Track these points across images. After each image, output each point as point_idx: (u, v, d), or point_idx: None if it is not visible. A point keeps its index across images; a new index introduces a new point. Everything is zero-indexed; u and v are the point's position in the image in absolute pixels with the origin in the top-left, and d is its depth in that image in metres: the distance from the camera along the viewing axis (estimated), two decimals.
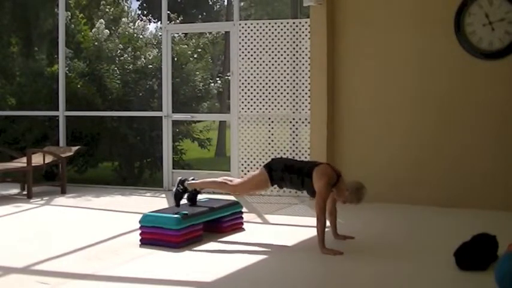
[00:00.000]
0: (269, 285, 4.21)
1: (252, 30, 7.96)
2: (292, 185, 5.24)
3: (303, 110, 7.72)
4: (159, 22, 11.19)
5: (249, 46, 7.96)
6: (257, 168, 7.53)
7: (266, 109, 7.90)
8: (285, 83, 7.81)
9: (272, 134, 7.90)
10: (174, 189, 5.56)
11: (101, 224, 6.31)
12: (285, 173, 5.16)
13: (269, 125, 7.92)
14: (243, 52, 7.99)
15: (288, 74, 7.80)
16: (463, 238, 4.48)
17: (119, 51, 10.79)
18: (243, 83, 8.00)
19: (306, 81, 7.66)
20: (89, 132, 10.31)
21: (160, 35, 9.65)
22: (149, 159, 10.97)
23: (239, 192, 5.93)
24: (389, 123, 7.26)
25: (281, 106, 7.83)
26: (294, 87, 7.78)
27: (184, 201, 5.57)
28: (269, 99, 7.89)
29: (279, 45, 7.82)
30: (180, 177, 5.60)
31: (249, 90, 7.98)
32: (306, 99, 7.68)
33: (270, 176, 5.22)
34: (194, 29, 12.05)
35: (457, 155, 6.92)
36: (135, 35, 11.27)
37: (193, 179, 5.57)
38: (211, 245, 5.21)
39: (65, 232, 5.88)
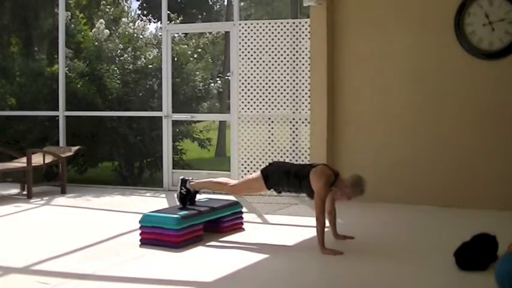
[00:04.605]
0: (269, 285, 4.21)
1: (252, 30, 7.96)
2: (290, 188, 5.22)
3: (303, 110, 7.72)
4: (159, 22, 11.21)
5: (249, 46, 7.96)
6: (257, 168, 7.55)
7: (266, 109, 7.90)
8: (285, 83, 7.81)
9: (272, 134, 7.90)
10: (177, 193, 5.54)
11: (101, 224, 6.30)
12: (282, 179, 5.16)
13: (269, 125, 7.92)
14: (243, 52, 7.99)
15: (288, 74, 7.80)
16: (463, 238, 4.48)
17: (119, 51, 10.78)
18: (243, 83, 8.00)
19: (306, 81, 7.66)
20: (89, 132, 10.31)
21: (160, 35, 9.65)
22: (149, 159, 10.96)
23: (236, 192, 5.93)
24: (389, 123, 7.26)
25: (281, 106, 7.83)
26: (294, 87, 7.78)
27: None
28: (269, 99, 7.89)
29: (279, 45, 7.82)
30: (181, 177, 5.59)
31: (249, 90, 7.98)
32: (306, 99, 7.68)
33: (266, 181, 5.23)
34: (194, 29, 12.06)
35: (456, 155, 6.92)
36: (135, 35, 11.27)
37: (192, 179, 5.57)
38: (211, 245, 5.21)
39: (65, 232, 5.87)
